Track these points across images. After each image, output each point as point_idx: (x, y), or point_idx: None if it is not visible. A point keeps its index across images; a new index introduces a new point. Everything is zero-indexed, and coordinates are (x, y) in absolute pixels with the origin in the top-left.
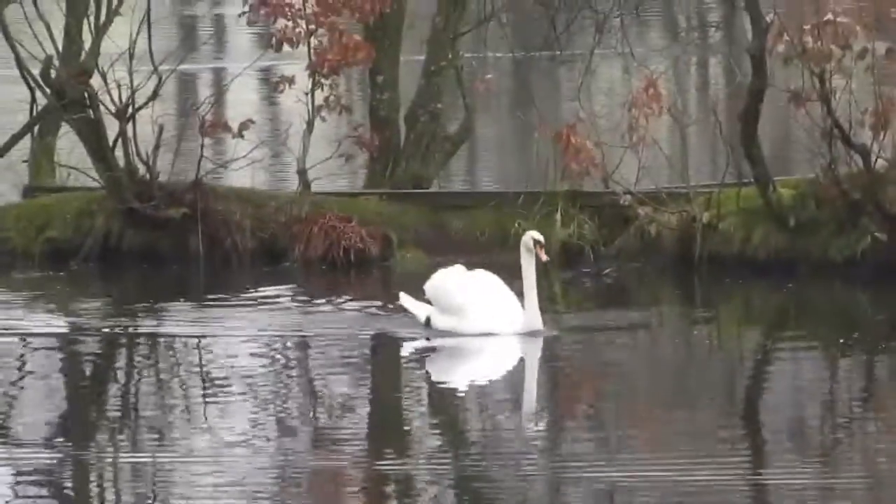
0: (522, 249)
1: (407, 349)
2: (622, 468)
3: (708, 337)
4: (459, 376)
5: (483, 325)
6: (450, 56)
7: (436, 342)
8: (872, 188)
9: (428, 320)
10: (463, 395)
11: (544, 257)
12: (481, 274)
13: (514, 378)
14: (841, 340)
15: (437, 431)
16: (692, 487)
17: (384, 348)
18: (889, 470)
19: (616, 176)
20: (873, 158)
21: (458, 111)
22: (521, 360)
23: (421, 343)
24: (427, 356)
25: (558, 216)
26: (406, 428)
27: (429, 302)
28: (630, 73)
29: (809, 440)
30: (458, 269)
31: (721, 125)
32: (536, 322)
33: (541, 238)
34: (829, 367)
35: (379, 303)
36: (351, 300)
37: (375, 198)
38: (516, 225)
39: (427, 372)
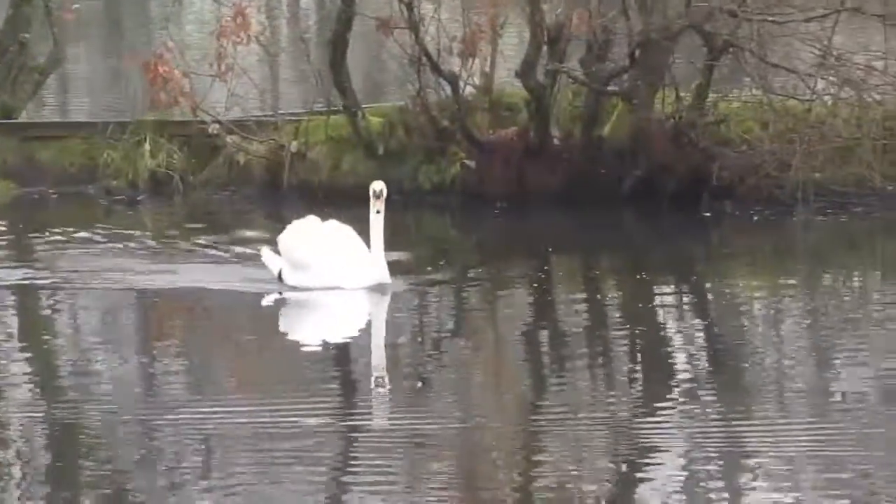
0: (371, 199)
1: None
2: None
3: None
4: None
5: (330, 279)
6: None
7: (289, 296)
8: (461, 116)
9: (280, 274)
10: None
11: (375, 209)
12: (332, 225)
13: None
14: (429, 267)
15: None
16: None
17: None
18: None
19: (205, 105)
20: (461, 86)
21: (48, 41)
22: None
23: (274, 297)
24: (280, 311)
25: (147, 146)
26: None
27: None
28: (220, 1)
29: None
30: (310, 221)
31: (310, 54)
32: (383, 275)
33: (378, 188)
34: (420, 296)
35: None
36: None
37: None
38: (105, 155)
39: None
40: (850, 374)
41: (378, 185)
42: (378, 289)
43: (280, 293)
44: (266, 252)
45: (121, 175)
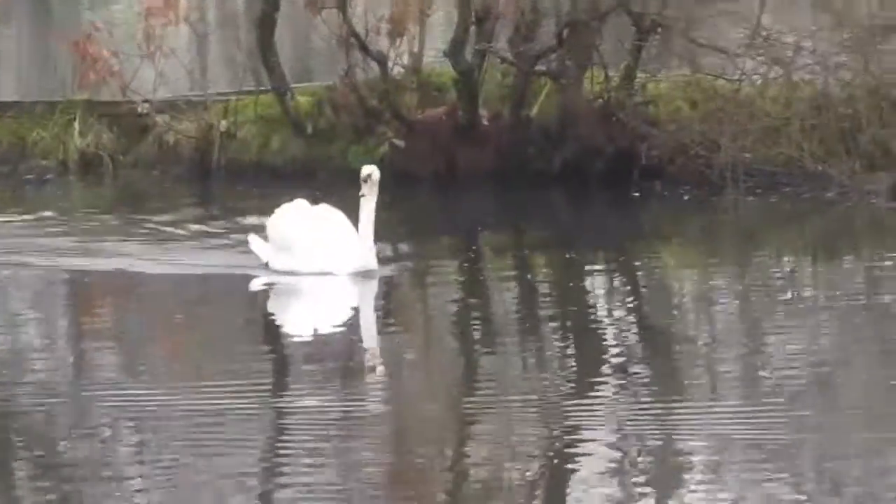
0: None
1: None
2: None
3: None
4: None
5: (316, 264)
6: None
7: (276, 281)
8: (389, 95)
9: (267, 262)
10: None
11: (361, 192)
12: (322, 209)
13: None
14: None
15: None
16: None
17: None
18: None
19: (134, 85)
20: (390, 66)
21: None
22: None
23: (262, 282)
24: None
25: (76, 125)
26: None
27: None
28: None
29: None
30: (298, 205)
31: (239, 34)
32: (369, 261)
33: (369, 172)
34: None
35: None
36: None
37: None
38: (34, 134)
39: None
40: (779, 355)
41: (367, 170)
42: (365, 274)
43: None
44: (253, 238)
45: (50, 154)
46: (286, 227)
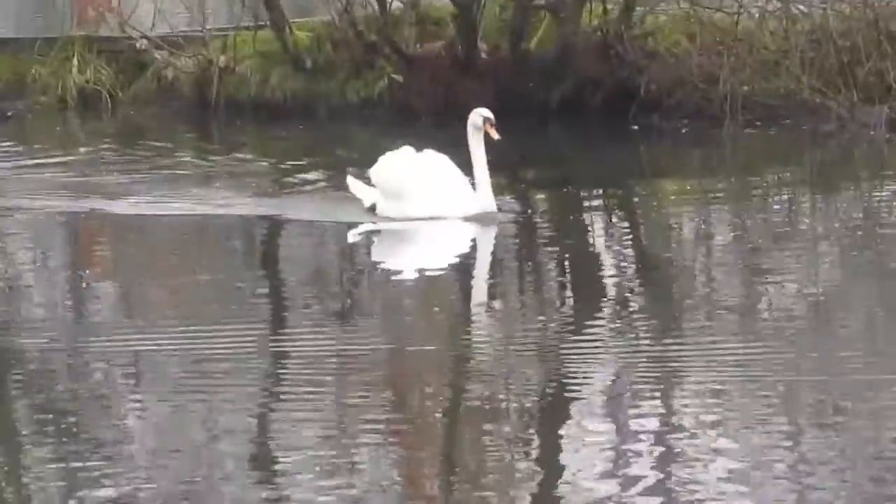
0: (470, 128)
1: (353, 235)
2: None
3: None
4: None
5: (432, 208)
6: None
7: (382, 227)
8: (388, 30)
9: (373, 206)
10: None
11: (496, 135)
12: (430, 154)
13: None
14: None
15: None
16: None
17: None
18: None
19: (132, 21)
20: (388, 1)
21: None
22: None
23: (366, 228)
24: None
25: (75, 62)
26: None
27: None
28: None
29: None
30: (405, 151)
31: None
32: (490, 204)
33: (490, 115)
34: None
35: None
36: None
37: None
38: (33, 71)
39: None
40: (779, 289)
41: (487, 112)
42: (484, 218)
43: (374, 223)
44: (354, 181)
45: (49, 90)
46: (397, 174)
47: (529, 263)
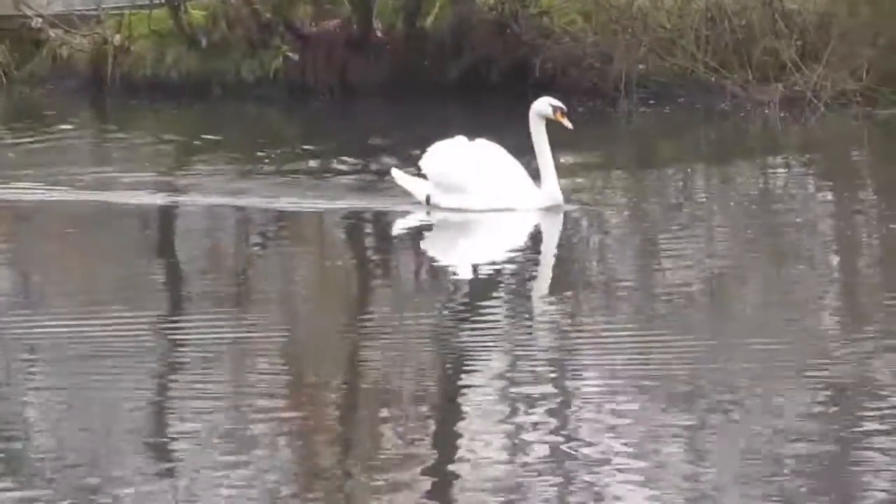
0: (534, 117)
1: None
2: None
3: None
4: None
5: (496, 200)
6: None
7: (437, 219)
8: (283, 8)
9: (428, 198)
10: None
11: (568, 125)
12: (483, 144)
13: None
14: (258, 153)
15: None
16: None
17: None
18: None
19: None
20: None
21: None
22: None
23: (421, 220)
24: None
25: None
26: None
27: (425, 177)
28: None
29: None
30: (458, 141)
31: None
32: (557, 195)
33: (561, 104)
34: (246, 177)
35: None
36: None
37: None
38: None
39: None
40: (674, 268)
41: (556, 101)
42: (551, 209)
43: (428, 213)
44: (402, 175)
45: None
46: (454, 165)
47: (424, 246)
